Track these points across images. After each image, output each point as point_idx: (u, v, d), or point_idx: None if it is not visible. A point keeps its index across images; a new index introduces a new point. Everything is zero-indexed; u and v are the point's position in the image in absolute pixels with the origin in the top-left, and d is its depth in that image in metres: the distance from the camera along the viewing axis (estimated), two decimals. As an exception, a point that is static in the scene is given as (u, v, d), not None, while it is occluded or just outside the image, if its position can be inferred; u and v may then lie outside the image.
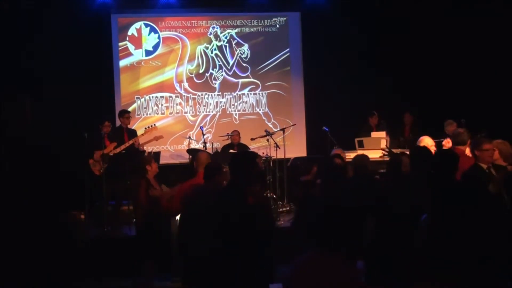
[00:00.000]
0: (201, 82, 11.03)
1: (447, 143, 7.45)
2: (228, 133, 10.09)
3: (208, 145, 9.89)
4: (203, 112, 11.04)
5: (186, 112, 10.98)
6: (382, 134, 9.44)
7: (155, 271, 6.24)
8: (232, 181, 4.12)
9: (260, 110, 11.24)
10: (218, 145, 10.22)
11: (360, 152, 8.64)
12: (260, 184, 4.20)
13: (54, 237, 6.83)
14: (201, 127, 10.41)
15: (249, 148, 9.93)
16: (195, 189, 5.19)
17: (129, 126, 9.39)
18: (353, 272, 2.81)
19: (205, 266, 4.05)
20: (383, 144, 8.96)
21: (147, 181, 6.22)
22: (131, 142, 8.69)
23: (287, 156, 9.65)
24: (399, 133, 10.16)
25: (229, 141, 10.05)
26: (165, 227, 7.04)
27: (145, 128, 9.12)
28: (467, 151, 6.22)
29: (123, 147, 8.55)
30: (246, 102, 11.20)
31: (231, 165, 4.09)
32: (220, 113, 11.08)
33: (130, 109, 10.51)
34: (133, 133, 9.23)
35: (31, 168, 8.69)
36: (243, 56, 11.17)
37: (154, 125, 9.32)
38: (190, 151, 9.59)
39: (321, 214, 2.93)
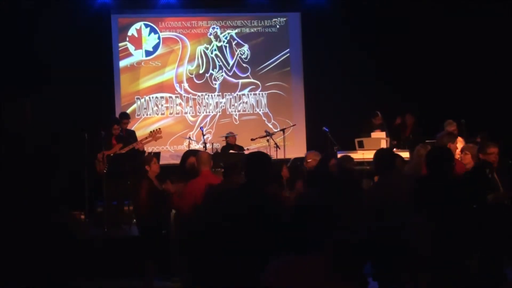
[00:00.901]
0: (201, 82, 11.03)
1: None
2: (228, 133, 10.07)
3: (208, 145, 9.88)
4: (203, 112, 11.04)
5: (186, 113, 10.97)
6: (382, 134, 9.43)
7: (156, 271, 6.22)
8: (249, 181, 4.11)
9: (260, 110, 11.23)
10: (218, 146, 10.21)
11: (360, 152, 8.66)
12: (276, 185, 4.24)
13: (54, 237, 6.82)
14: (201, 128, 10.40)
15: (244, 150, 9.89)
16: (212, 188, 5.19)
17: (128, 127, 9.37)
18: (331, 276, 2.76)
19: (220, 266, 4.03)
20: (383, 144, 8.96)
21: (149, 181, 6.20)
22: (134, 144, 8.66)
23: (287, 156, 9.64)
24: (399, 133, 10.14)
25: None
26: (167, 226, 7.04)
27: (150, 132, 9.06)
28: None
29: (126, 149, 8.53)
30: (246, 103, 11.20)
31: (248, 165, 4.10)
32: (220, 113, 11.08)
33: (130, 109, 10.53)
34: (131, 134, 9.20)
35: (31, 168, 8.68)
36: (243, 56, 11.17)
37: (159, 129, 9.25)
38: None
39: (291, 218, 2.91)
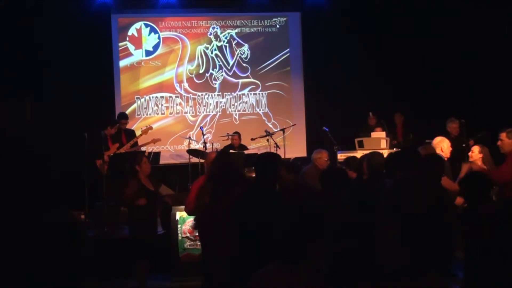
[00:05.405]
0: (201, 82, 11.03)
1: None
2: (228, 133, 10.06)
3: (208, 145, 9.88)
4: (203, 112, 11.04)
5: (186, 112, 10.97)
6: (382, 134, 9.42)
7: (148, 270, 6.16)
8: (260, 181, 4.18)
9: (260, 110, 11.23)
10: (218, 145, 10.21)
11: (360, 152, 8.63)
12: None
13: (53, 237, 6.81)
14: (201, 127, 10.40)
15: (247, 149, 9.90)
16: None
17: (127, 127, 9.36)
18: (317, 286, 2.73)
19: None
20: (383, 144, 8.95)
21: (137, 181, 6.07)
22: (132, 142, 8.65)
23: (287, 156, 9.64)
24: (393, 133, 10.14)
25: (228, 142, 10.03)
26: (168, 226, 7.03)
27: (141, 129, 9.07)
28: None
29: (126, 147, 8.53)
30: (246, 102, 11.20)
31: (258, 167, 4.18)
32: (220, 113, 11.08)
33: (130, 109, 10.54)
34: (130, 134, 9.19)
35: (31, 168, 8.66)
36: (243, 56, 11.17)
37: (150, 126, 9.25)
38: (191, 152, 9.58)
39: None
